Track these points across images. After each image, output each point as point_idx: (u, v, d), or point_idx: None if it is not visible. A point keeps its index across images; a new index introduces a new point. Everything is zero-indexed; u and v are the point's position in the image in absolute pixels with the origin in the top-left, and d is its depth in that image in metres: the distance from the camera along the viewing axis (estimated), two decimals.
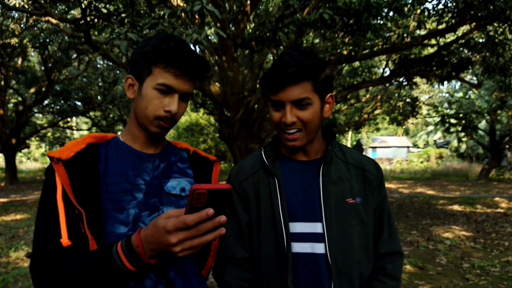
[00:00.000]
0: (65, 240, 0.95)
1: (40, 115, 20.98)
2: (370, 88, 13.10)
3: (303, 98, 1.09)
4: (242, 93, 7.33)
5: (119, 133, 1.18)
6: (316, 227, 1.15)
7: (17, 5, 7.74)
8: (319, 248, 1.14)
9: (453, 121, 17.78)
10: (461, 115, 16.90)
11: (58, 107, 16.94)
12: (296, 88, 1.08)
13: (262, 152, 1.24)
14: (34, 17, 9.13)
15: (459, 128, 18.24)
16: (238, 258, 1.21)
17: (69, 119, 19.12)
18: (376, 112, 14.84)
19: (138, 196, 1.05)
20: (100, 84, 14.15)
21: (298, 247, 1.15)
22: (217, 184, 0.81)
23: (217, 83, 7.57)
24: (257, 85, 8.36)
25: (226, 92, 7.11)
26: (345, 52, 8.27)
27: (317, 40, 9.01)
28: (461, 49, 7.62)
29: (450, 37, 8.63)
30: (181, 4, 5.78)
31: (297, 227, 1.16)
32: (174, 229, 0.78)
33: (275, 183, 1.19)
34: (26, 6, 7.66)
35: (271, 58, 10.55)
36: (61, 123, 18.55)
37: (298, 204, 1.17)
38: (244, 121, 7.14)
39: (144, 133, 1.11)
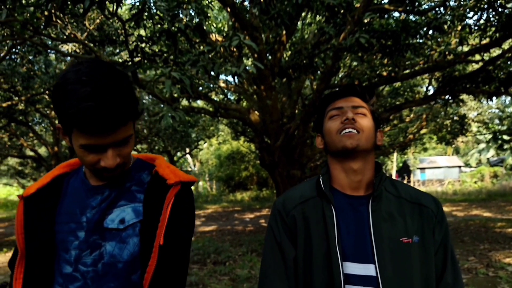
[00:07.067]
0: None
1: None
2: (414, 107, 12.73)
3: (360, 106, 1.19)
4: (281, 120, 7.40)
5: None
6: (369, 269, 1.05)
7: (70, 51, 8.41)
8: None
9: (506, 137, 16.80)
10: None
11: None
12: (356, 98, 1.21)
13: (321, 179, 1.16)
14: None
15: None
16: None
17: None
18: (422, 131, 14.33)
19: (80, 235, 1.01)
20: (146, 118, 14.82)
21: None
22: None
23: (256, 112, 7.70)
24: (296, 111, 8.41)
25: (266, 120, 7.20)
26: (384, 73, 8.16)
27: (355, 63, 8.98)
28: (508, 62, 7.29)
29: (496, 51, 8.30)
30: (220, 39, 6.02)
31: (349, 267, 1.06)
32: None
33: (332, 214, 1.10)
34: (78, 51, 8.31)
35: (309, 84, 10.60)
36: None
37: (351, 241, 1.08)
38: (285, 147, 7.16)
39: None
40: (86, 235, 1.00)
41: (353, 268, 1.06)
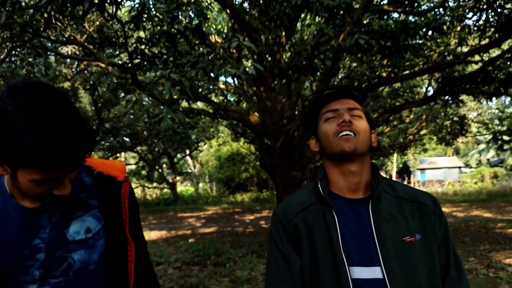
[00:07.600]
0: None
1: (92, 152, 22.23)
2: (414, 108, 12.72)
3: (355, 108, 1.19)
4: (281, 121, 7.40)
5: (5, 178, 0.99)
6: (376, 272, 1.04)
7: (70, 53, 8.42)
8: None
9: (506, 138, 16.81)
10: None
11: (108, 144, 17.87)
12: (350, 100, 1.21)
13: (319, 184, 1.15)
14: (84, 62, 9.85)
15: None
16: None
17: (118, 155, 20.07)
18: (422, 132, 14.33)
19: (39, 257, 0.97)
20: (146, 120, 14.83)
21: None
22: None
23: (256, 113, 7.70)
24: (296, 112, 8.41)
25: (266, 121, 7.20)
26: (384, 74, 8.17)
27: (354, 64, 8.98)
28: (508, 63, 7.29)
29: (495, 51, 8.30)
30: (219, 41, 6.02)
31: (356, 272, 1.05)
32: None
33: (334, 219, 1.08)
34: (78, 53, 8.32)
35: (308, 85, 10.60)
36: (111, 159, 19.49)
37: (355, 246, 1.07)
38: (285, 149, 7.15)
39: None
40: (48, 254, 0.98)
41: (359, 272, 1.05)
